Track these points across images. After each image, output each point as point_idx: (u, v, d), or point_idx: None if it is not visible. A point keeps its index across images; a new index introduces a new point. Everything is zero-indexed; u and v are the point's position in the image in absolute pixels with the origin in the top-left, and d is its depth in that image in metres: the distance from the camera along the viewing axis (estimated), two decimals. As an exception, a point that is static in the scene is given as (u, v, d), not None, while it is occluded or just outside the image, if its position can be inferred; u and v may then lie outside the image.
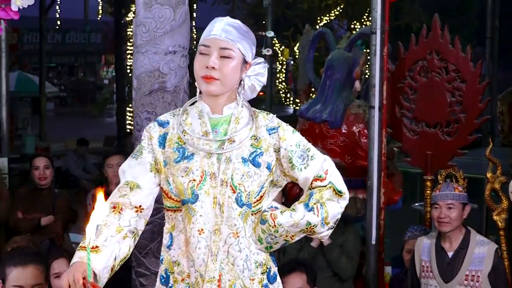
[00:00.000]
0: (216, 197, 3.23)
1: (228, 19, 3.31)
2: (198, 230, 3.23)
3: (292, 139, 3.32)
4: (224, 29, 3.25)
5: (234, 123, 3.30)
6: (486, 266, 5.12)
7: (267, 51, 3.39)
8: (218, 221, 3.24)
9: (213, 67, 3.20)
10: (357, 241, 5.97)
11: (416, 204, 7.54)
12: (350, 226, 6.07)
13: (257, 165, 3.27)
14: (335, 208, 3.29)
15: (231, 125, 3.30)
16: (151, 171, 3.31)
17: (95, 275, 3.03)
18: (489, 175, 5.99)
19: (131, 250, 3.27)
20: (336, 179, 3.33)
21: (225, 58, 3.22)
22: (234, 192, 3.24)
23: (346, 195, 3.33)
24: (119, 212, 3.23)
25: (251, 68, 3.37)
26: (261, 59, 3.39)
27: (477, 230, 6.83)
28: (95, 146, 18.45)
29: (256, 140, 3.29)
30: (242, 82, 3.35)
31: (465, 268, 5.13)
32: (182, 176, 3.25)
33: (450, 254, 5.20)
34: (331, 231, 3.36)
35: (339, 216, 3.33)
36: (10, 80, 10.28)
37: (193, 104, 3.41)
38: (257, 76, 3.37)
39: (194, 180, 3.24)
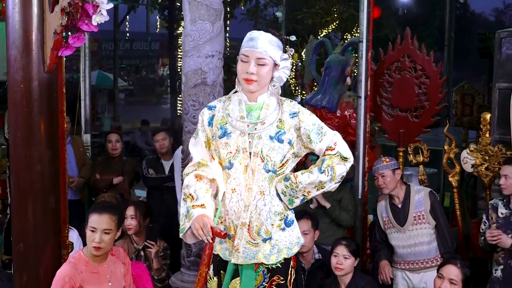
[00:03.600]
0: (246, 166, 3.32)
1: (261, 33, 3.32)
2: (232, 189, 3.35)
3: (309, 120, 3.36)
4: (259, 43, 3.27)
5: (265, 109, 3.36)
6: (426, 206, 5.09)
7: (290, 51, 3.40)
8: (249, 182, 3.33)
9: (252, 73, 3.26)
10: (351, 196, 5.95)
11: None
12: (345, 186, 6.06)
13: (280, 141, 3.32)
14: (342, 168, 3.35)
15: (263, 110, 3.35)
16: (206, 147, 3.44)
17: None
18: (446, 147, 5.98)
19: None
20: (343, 148, 3.37)
21: (261, 65, 3.27)
22: (263, 161, 3.31)
23: (351, 158, 3.40)
24: (200, 179, 3.36)
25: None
26: (287, 56, 3.40)
27: (436, 188, 6.81)
28: (154, 125, 18.45)
29: (280, 122, 3.34)
30: (273, 78, 3.39)
31: (412, 211, 5.10)
32: (223, 149, 3.35)
33: (399, 206, 5.16)
34: (338, 184, 3.42)
35: (344, 173, 3.39)
36: (92, 77, 10.28)
37: (235, 92, 3.44)
38: (283, 69, 3.40)
39: (230, 152, 3.34)
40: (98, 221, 3.80)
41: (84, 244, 4.05)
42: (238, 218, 3.34)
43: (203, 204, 3.26)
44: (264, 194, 3.33)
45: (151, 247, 5.45)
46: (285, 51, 3.42)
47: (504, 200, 4.94)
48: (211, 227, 3.18)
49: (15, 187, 4.06)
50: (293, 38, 3.43)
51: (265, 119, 3.32)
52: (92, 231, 3.79)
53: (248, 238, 3.34)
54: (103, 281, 3.83)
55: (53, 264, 4.03)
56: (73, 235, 4.92)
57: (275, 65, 3.35)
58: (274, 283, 3.40)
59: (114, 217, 3.86)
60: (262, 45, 3.27)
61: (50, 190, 4.04)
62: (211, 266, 3.50)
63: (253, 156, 3.31)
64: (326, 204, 5.86)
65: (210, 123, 3.41)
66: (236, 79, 3.40)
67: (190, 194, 3.32)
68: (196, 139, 3.46)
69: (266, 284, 3.40)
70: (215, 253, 3.48)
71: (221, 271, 3.45)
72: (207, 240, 3.20)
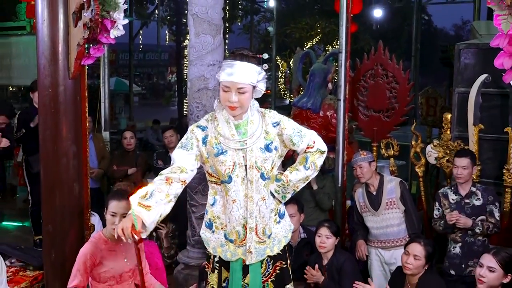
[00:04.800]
0: (243, 178, 3.20)
1: (237, 65, 3.09)
2: (232, 201, 3.21)
3: (289, 126, 3.27)
4: (237, 76, 3.08)
5: (250, 124, 3.21)
6: (396, 193, 5.09)
7: (264, 67, 3.25)
8: (249, 192, 3.21)
9: (235, 101, 3.10)
10: (332, 184, 5.96)
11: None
12: (327, 175, 6.08)
13: (269, 150, 3.22)
14: (321, 160, 3.35)
15: (249, 125, 3.21)
16: (195, 160, 3.20)
17: (144, 225, 2.91)
18: (413, 142, 5.99)
19: (171, 208, 3.12)
20: (320, 144, 3.35)
21: (241, 93, 3.10)
22: (259, 171, 3.21)
23: (326, 150, 3.38)
24: (170, 183, 3.05)
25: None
26: (263, 71, 3.21)
27: (405, 178, 6.81)
28: (164, 124, 18.39)
29: (267, 133, 3.23)
30: (252, 98, 3.24)
31: (385, 198, 5.10)
32: (220, 166, 3.19)
33: (374, 193, 5.16)
34: (317, 172, 3.39)
35: (322, 162, 3.38)
36: (110, 83, 10.26)
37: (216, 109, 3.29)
38: (260, 83, 3.18)
39: (228, 168, 3.18)
40: (117, 207, 3.78)
41: (104, 226, 4.04)
42: (240, 224, 3.24)
43: (149, 206, 2.92)
44: (265, 199, 3.26)
45: (162, 229, 5.46)
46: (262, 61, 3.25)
47: (453, 188, 4.93)
48: (133, 231, 2.86)
49: (45, 177, 4.06)
50: (265, 56, 3.43)
51: (253, 134, 3.20)
52: (113, 215, 3.77)
53: (257, 239, 3.27)
54: (120, 258, 3.83)
55: (77, 243, 4.03)
56: (95, 219, 4.92)
57: (254, 86, 3.18)
58: (277, 268, 3.36)
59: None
60: (240, 77, 3.07)
61: (74, 180, 4.04)
62: (211, 262, 3.40)
63: (249, 169, 3.20)
64: (314, 185, 5.90)
65: (204, 143, 3.22)
66: (217, 101, 3.25)
67: (146, 192, 2.98)
68: (187, 150, 3.21)
69: (271, 271, 3.35)
70: (216, 254, 3.35)
71: (222, 268, 3.36)
72: (131, 241, 2.91)
